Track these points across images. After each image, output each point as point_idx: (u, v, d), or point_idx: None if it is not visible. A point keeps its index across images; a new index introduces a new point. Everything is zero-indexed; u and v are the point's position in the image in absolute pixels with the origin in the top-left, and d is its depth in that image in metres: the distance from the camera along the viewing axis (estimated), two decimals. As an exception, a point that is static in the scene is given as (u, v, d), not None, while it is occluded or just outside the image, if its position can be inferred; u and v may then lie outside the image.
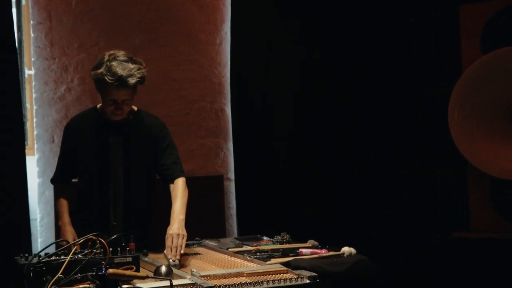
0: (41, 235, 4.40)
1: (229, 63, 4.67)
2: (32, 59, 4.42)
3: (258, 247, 3.22)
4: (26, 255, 2.64)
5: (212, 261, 3.02)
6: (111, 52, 3.13)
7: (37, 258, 2.52)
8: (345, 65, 4.65)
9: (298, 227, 4.35)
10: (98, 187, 3.26)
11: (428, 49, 4.58)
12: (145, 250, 3.13)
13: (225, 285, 2.48)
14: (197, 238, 3.51)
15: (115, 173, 3.25)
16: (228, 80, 4.70)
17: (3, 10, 4.05)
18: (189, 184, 4.54)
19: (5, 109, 4.04)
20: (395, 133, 4.62)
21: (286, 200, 4.60)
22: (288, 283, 2.60)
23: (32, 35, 4.41)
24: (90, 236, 2.60)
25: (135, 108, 3.34)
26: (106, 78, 3.04)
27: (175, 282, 2.48)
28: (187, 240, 3.34)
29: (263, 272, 2.70)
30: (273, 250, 3.13)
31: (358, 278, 2.88)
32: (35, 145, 4.44)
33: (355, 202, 4.62)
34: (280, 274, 2.69)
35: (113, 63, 3.05)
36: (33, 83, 4.41)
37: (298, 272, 2.69)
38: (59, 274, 2.42)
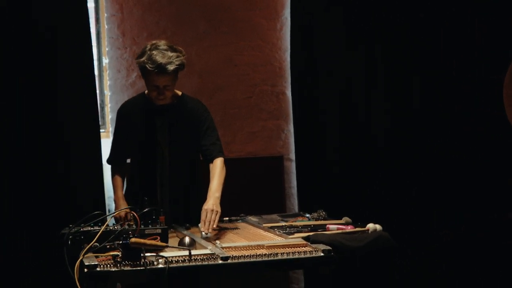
0: (116, 211, 4.77)
1: (289, 47, 4.81)
2: (107, 49, 4.78)
3: (292, 222, 3.39)
4: (71, 225, 2.97)
5: (244, 235, 3.21)
6: (153, 41, 3.39)
7: (77, 228, 2.84)
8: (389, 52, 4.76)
9: (352, 205, 4.49)
10: (147, 168, 3.54)
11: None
12: (187, 224, 3.40)
13: (240, 256, 2.68)
14: (242, 214, 3.71)
15: (162, 154, 3.52)
16: (288, 64, 4.85)
17: (80, 4, 4.45)
18: (251, 164, 4.81)
19: (84, 96, 4.47)
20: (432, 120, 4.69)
21: (343, 179, 4.72)
22: (302, 256, 2.76)
23: (106, 26, 4.77)
24: (124, 210, 2.88)
25: (179, 93, 3.59)
26: (147, 66, 3.30)
27: (195, 252, 2.70)
28: (228, 216, 3.60)
29: (282, 245, 2.87)
30: (303, 226, 3.29)
31: (376, 254, 2.99)
32: (110, 129, 4.82)
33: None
34: (298, 247, 2.85)
35: (153, 51, 3.31)
36: (108, 71, 4.78)
37: (315, 245, 2.84)
38: (93, 242, 2.72)
